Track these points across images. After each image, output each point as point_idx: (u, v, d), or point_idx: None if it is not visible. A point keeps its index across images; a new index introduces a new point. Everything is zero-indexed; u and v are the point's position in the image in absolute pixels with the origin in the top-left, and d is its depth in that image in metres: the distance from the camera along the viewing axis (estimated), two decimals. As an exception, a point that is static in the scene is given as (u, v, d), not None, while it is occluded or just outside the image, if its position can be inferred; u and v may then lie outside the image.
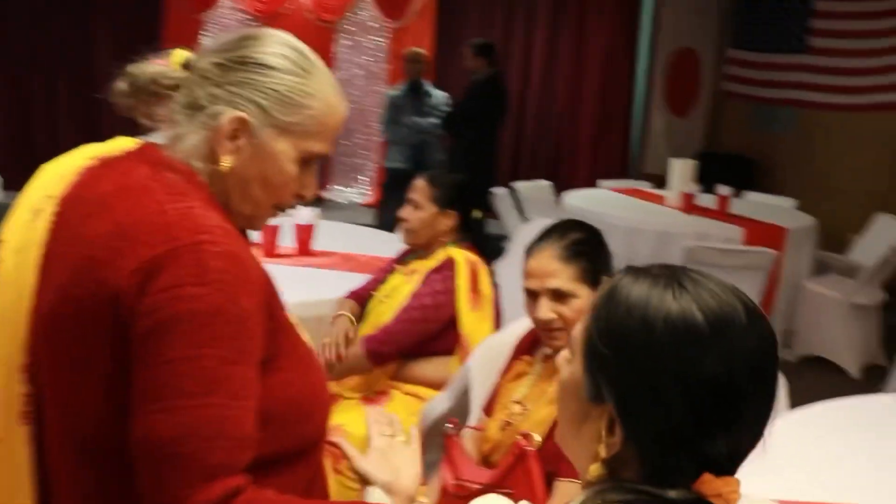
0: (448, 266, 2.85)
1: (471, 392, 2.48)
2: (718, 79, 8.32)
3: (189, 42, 1.54)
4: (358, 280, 3.17)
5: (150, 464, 1.15)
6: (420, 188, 2.90)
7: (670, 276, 1.04)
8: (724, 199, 5.76)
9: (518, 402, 2.13)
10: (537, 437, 2.00)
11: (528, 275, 2.06)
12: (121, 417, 1.20)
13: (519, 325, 2.53)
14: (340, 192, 9.06)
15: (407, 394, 2.81)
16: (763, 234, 5.33)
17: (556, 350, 2.13)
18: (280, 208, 1.44)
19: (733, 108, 8.30)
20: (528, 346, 2.28)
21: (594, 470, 1.04)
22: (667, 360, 0.98)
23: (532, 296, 2.07)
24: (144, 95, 1.37)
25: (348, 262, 3.60)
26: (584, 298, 2.02)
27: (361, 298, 3.03)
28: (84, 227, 1.27)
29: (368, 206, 9.26)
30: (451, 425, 2.22)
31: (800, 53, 7.73)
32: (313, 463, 1.47)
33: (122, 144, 1.42)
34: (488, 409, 2.28)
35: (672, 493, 0.97)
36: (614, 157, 7.85)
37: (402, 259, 3.09)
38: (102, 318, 1.20)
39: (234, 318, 1.20)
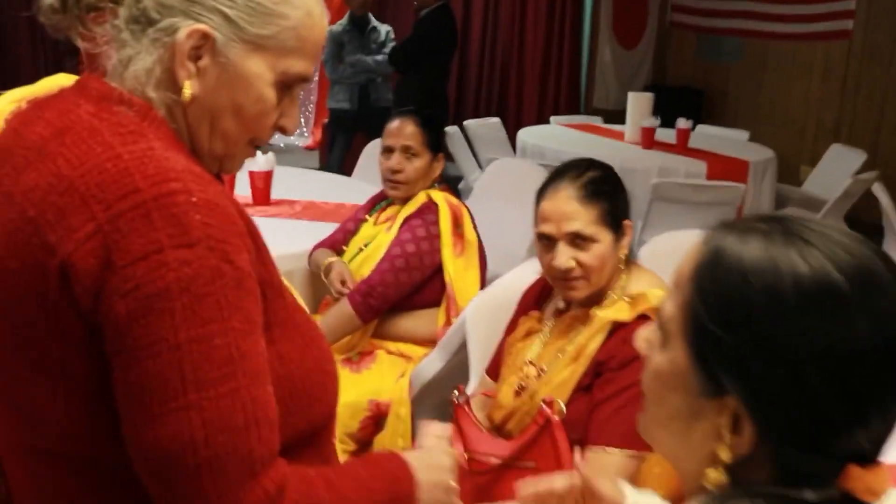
0: (429, 210, 2.60)
1: (469, 352, 2.26)
2: (664, 9, 8.11)
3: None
4: (325, 230, 2.91)
5: (178, 475, 0.93)
6: (412, 134, 2.61)
7: (784, 229, 0.82)
8: (683, 133, 5.57)
9: (532, 364, 1.91)
10: (561, 404, 1.80)
11: (542, 219, 1.84)
12: (95, 425, 0.98)
13: (520, 275, 2.30)
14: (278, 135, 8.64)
15: (392, 353, 2.57)
16: (725, 167, 5.18)
17: (571, 302, 1.92)
18: (258, 144, 1.17)
19: (679, 39, 8.11)
20: (536, 299, 2.06)
21: (714, 476, 0.83)
22: (806, 335, 0.78)
23: (547, 241, 1.84)
24: (78, 11, 1.07)
25: (312, 211, 3.32)
26: (604, 243, 1.81)
27: (331, 251, 2.78)
28: (16, 183, 0.99)
29: (309, 148, 8.89)
30: (458, 393, 2.00)
31: (744, -19, 7.56)
32: (324, 449, 1.23)
33: (56, 82, 1.13)
34: (494, 372, 2.06)
35: (811, 495, 0.79)
36: (563, 91, 7.58)
37: (374, 206, 2.83)
38: (48, 297, 0.95)
39: (233, 280, 0.96)
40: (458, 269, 2.55)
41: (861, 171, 5.79)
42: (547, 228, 1.83)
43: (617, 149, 5.49)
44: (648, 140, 5.47)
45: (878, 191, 4.67)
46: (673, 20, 8.08)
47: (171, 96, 1.06)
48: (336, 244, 2.78)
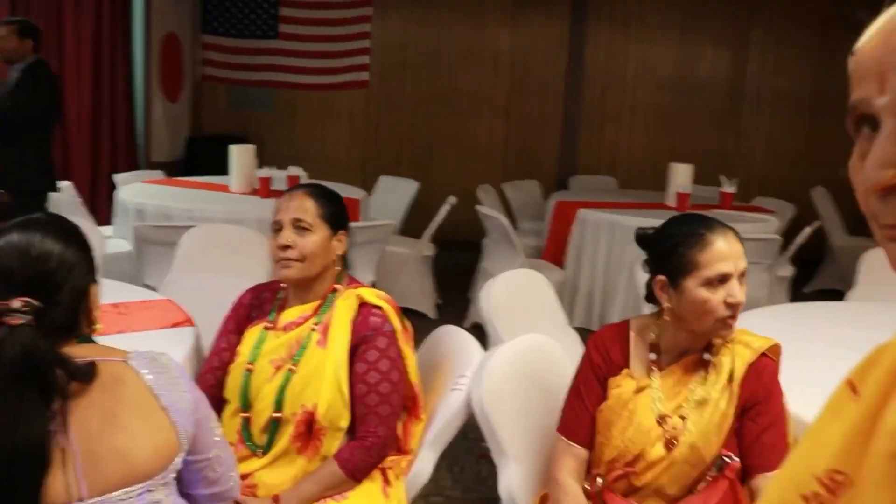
0: (371, 313, 2.01)
1: (498, 435, 1.90)
2: (197, 63, 7.62)
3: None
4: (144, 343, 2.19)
5: None
6: (305, 207, 2.01)
7: None
8: (294, 180, 5.33)
9: (668, 417, 1.76)
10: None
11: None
12: None
13: (518, 346, 2.02)
14: None
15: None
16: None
17: (661, 353, 1.82)
18: None
19: (213, 92, 7.71)
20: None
21: None
22: None
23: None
24: None
25: (123, 320, 2.41)
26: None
27: (208, 376, 2.08)
28: None
29: None
30: (599, 479, 1.72)
31: (271, 39, 7.48)
32: None
33: None
34: (587, 441, 1.82)
35: None
36: (120, 148, 6.63)
37: (265, 304, 2.13)
38: None
39: None
40: (414, 365, 2.07)
41: (416, 196, 6.19)
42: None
43: (249, 203, 5.02)
44: (266, 189, 5.14)
45: (486, 211, 5.04)
46: (205, 74, 7.65)
47: None
48: (218, 378, 2.06)
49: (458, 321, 5.20)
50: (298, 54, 7.46)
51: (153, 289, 3.36)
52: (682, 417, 1.73)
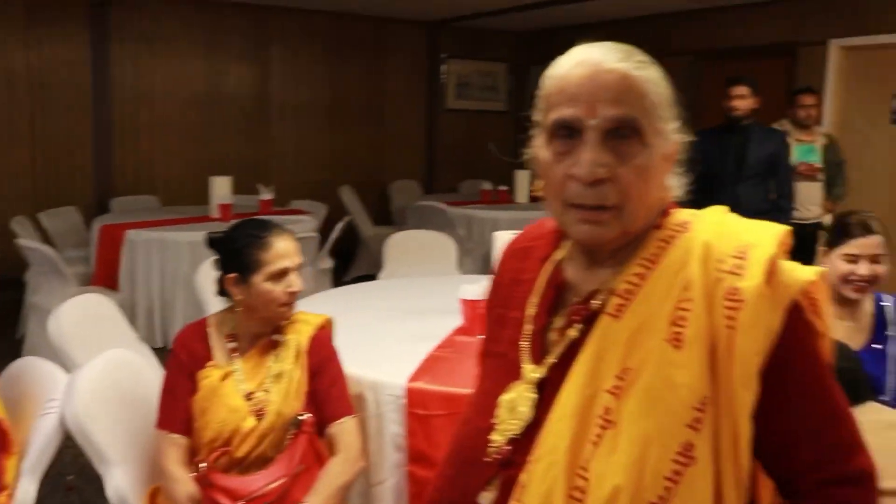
0: None
1: (100, 440, 2.01)
2: None
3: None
4: None
5: None
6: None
7: None
8: None
9: (254, 393, 2.06)
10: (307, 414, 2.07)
11: None
12: None
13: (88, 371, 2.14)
14: None
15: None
16: None
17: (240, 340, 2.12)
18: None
19: None
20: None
21: None
22: None
23: None
24: None
25: None
26: None
27: None
28: None
29: None
30: (203, 464, 1.94)
31: None
32: None
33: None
34: (185, 428, 2.05)
35: None
36: None
37: None
38: None
39: None
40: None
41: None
42: None
43: None
44: None
45: (27, 243, 4.80)
46: None
47: None
48: None
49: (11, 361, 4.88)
50: None
51: None
52: (265, 391, 2.04)
